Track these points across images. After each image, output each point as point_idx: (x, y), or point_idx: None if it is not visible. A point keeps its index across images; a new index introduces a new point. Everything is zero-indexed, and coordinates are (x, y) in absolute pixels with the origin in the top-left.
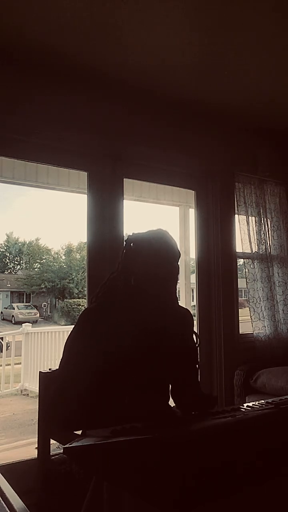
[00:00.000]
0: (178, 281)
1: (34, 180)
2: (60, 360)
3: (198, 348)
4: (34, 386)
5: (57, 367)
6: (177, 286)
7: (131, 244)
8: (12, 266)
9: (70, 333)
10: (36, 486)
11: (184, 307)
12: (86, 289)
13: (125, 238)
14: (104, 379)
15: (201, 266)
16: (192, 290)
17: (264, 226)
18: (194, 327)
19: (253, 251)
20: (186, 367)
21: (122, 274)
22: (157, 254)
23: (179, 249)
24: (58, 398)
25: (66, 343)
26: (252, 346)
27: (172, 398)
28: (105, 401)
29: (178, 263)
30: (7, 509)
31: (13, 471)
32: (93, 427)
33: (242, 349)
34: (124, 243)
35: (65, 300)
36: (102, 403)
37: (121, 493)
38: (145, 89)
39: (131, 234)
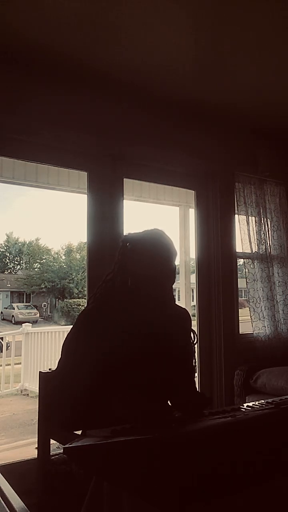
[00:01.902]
0: (177, 281)
1: (34, 180)
2: (58, 360)
3: (197, 346)
4: (34, 386)
5: (55, 367)
6: (176, 286)
7: (127, 245)
8: (12, 266)
9: (68, 333)
10: (36, 486)
11: (182, 306)
12: (86, 289)
13: (121, 238)
14: (102, 379)
15: (201, 266)
16: (192, 290)
17: (264, 226)
18: (193, 327)
19: (253, 251)
20: (182, 367)
21: (119, 274)
22: (153, 254)
23: (175, 248)
24: (57, 398)
25: (64, 343)
26: (252, 346)
27: (168, 398)
28: (103, 401)
29: (175, 263)
30: (7, 509)
31: (13, 471)
32: (91, 427)
33: (242, 349)
34: (120, 243)
35: (65, 300)
36: (100, 403)
37: (121, 493)
38: (145, 89)
39: (126, 234)
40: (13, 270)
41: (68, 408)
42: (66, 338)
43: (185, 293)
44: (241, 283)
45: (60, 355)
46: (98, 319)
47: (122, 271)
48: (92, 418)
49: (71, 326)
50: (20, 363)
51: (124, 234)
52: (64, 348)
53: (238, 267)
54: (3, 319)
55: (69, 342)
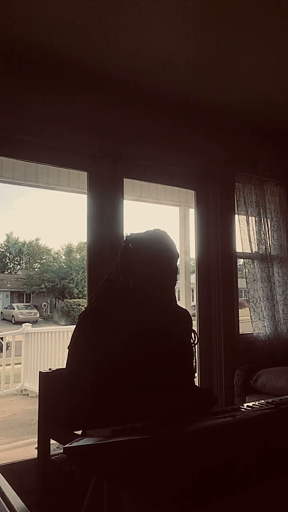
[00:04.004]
0: (178, 281)
1: (34, 180)
2: (66, 360)
3: (197, 346)
4: (34, 386)
5: (58, 368)
6: (176, 286)
7: (130, 245)
8: (12, 266)
9: (73, 332)
10: (36, 486)
11: (183, 307)
12: (86, 289)
13: (124, 238)
14: (106, 379)
15: (201, 266)
16: (192, 290)
17: (264, 226)
18: (194, 327)
19: (253, 251)
20: (184, 367)
21: (121, 274)
22: (155, 254)
23: (177, 249)
24: (61, 397)
25: (70, 342)
26: (252, 346)
27: (171, 398)
28: (108, 400)
29: (177, 263)
30: (7, 509)
31: (13, 471)
32: (96, 426)
33: (242, 349)
34: (123, 243)
35: (65, 300)
36: (105, 402)
37: (121, 493)
38: (145, 89)
39: (129, 234)
40: (13, 270)
41: (71, 407)
42: (71, 338)
43: (185, 293)
44: (241, 283)
45: (65, 355)
46: (100, 318)
47: (124, 271)
48: (96, 417)
49: (71, 326)
50: (20, 363)
51: (127, 234)
52: (71, 347)
53: (238, 267)
54: (3, 319)
55: (74, 342)
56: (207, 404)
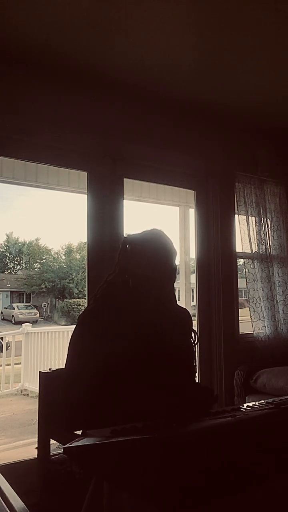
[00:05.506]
0: (178, 281)
1: (34, 180)
2: (65, 361)
3: (197, 346)
4: (34, 386)
5: (58, 367)
6: (176, 286)
7: (127, 246)
8: (12, 266)
9: (72, 333)
10: (36, 486)
11: (183, 306)
12: (86, 289)
13: (121, 240)
14: (105, 379)
15: (201, 266)
16: (192, 290)
17: (264, 226)
18: (194, 327)
19: (253, 251)
20: (184, 367)
21: (120, 275)
22: (153, 255)
23: (175, 247)
24: (60, 397)
25: (69, 342)
26: (252, 346)
27: (170, 397)
28: (107, 400)
29: (175, 262)
30: (7, 509)
31: (13, 471)
32: (95, 426)
33: (242, 349)
34: (120, 245)
35: (65, 300)
36: (104, 402)
37: (121, 493)
38: (145, 89)
39: (126, 236)
40: (13, 270)
41: (71, 407)
42: (71, 338)
43: (185, 293)
44: (241, 283)
45: (65, 355)
46: (99, 319)
47: (122, 272)
48: (96, 416)
49: (71, 326)
50: (20, 363)
51: (124, 235)
52: (70, 348)
53: (238, 267)
54: (3, 319)
55: (73, 343)
56: (207, 403)
